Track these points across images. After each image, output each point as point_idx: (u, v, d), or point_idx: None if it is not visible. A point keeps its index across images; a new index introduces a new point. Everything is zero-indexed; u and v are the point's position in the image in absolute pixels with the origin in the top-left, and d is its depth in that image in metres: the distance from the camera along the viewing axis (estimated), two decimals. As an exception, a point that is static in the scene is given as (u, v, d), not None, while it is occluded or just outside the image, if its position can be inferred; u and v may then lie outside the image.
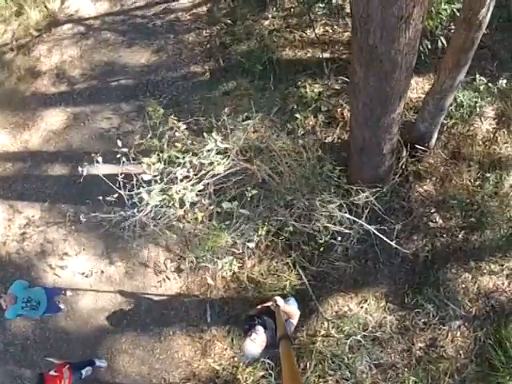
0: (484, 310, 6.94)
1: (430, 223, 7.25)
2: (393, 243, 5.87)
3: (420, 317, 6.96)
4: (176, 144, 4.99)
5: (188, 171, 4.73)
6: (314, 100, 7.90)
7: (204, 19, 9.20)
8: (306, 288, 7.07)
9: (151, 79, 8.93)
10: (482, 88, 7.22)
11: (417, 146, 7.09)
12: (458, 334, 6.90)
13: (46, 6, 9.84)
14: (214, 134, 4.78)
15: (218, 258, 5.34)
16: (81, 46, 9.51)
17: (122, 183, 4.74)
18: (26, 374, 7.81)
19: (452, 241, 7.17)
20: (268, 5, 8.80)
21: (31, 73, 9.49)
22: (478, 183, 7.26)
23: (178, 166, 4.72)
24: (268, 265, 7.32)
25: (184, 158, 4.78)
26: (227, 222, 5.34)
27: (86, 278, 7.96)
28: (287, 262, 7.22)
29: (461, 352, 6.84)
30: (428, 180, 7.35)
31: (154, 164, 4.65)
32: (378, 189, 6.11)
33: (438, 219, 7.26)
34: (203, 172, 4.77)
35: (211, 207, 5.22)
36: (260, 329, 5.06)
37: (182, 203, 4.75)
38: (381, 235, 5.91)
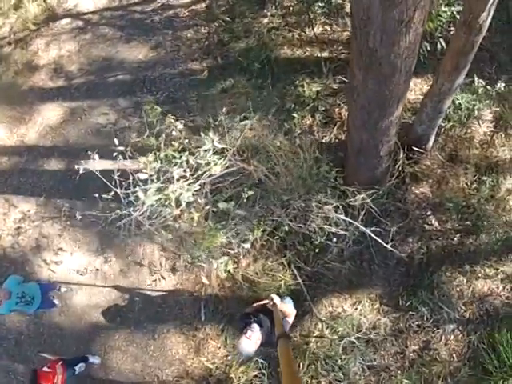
0: (478, 314, 6.94)
1: (426, 226, 7.25)
2: (388, 246, 5.87)
3: (414, 319, 6.96)
4: (173, 143, 4.97)
5: (185, 171, 4.71)
6: (312, 99, 7.87)
7: (202, 16, 9.16)
8: (300, 288, 7.07)
9: (148, 75, 8.88)
10: (480, 91, 7.19)
11: (414, 148, 7.08)
12: (452, 337, 6.90)
13: (44, 0, 9.79)
14: (211, 134, 4.76)
15: (213, 258, 5.32)
16: (79, 40, 9.47)
17: (118, 181, 4.72)
18: (20, 369, 7.78)
19: (447, 244, 7.17)
20: (267, 3, 8.76)
21: (29, 67, 9.44)
22: (474, 186, 7.25)
23: (174, 165, 4.70)
24: (263, 264, 7.30)
25: (181, 157, 4.77)
26: (223, 222, 5.33)
27: (81, 276, 7.93)
28: (282, 262, 7.20)
29: (454, 355, 6.85)
30: (424, 182, 7.35)
31: (150, 163, 4.63)
32: (375, 190, 6.11)
33: (433, 222, 7.25)
34: (200, 172, 4.75)
35: (207, 207, 5.21)
36: (255, 326, 5.03)
37: (178, 203, 4.73)
38: (376, 237, 5.90)
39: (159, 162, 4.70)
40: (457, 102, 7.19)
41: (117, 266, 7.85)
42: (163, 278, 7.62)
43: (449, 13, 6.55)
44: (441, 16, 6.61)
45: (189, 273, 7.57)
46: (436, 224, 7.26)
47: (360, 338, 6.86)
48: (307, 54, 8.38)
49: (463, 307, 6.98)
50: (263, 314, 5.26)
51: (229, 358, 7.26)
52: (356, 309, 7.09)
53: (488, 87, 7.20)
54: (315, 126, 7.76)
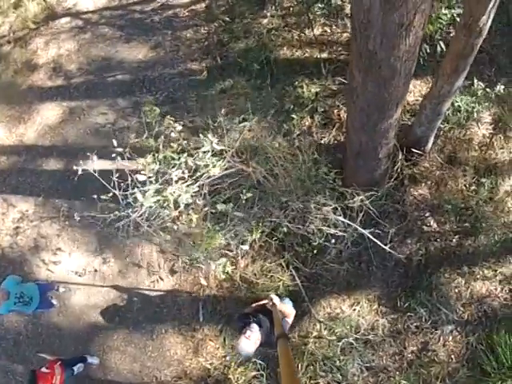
0: (476, 315, 6.94)
1: (425, 227, 7.25)
2: (386, 247, 5.87)
3: (412, 320, 6.96)
4: (172, 144, 4.97)
5: (183, 172, 4.71)
6: (311, 100, 7.86)
7: (202, 16, 9.14)
8: (298, 289, 7.08)
9: (148, 75, 8.87)
10: (479, 93, 7.18)
11: (413, 150, 7.07)
12: (450, 338, 6.90)
13: (44, -1, 9.78)
14: (210, 136, 4.76)
15: (211, 260, 5.32)
16: (78, 40, 9.46)
17: (116, 183, 4.71)
18: (18, 369, 7.81)
19: (446, 245, 7.17)
20: (267, 3, 8.74)
21: (28, 66, 9.43)
22: (473, 188, 7.25)
23: (173, 167, 4.70)
24: (261, 265, 7.29)
25: (179, 158, 4.76)
26: (221, 224, 5.34)
27: (80, 277, 7.94)
28: (280, 263, 7.20)
29: (452, 356, 6.85)
30: (423, 184, 7.35)
31: (149, 164, 4.63)
32: (373, 192, 6.10)
33: (432, 223, 7.25)
34: (198, 174, 4.75)
35: (206, 208, 5.21)
36: (255, 326, 5.04)
37: (176, 204, 4.73)
38: (375, 239, 5.91)
39: (158, 163, 4.70)
40: (456, 104, 7.18)
41: (115, 267, 7.85)
42: (161, 279, 7.63)
43: (449, 15, 6.56)
44: (441, 18, 6.61)
45: (187, 274, 7.57)
46: (434, 226, 7.25)
47: (358, 339, 6.87)
48: (306, 54, 8.37)
49: (461, 308, 6.98)
50: (262, 315, 5.26)
51: (227, 358, 7.25)
52: (354, 310, 7.10)
53: (487, 90, 7.18)
54: (314, 128, 7.75)
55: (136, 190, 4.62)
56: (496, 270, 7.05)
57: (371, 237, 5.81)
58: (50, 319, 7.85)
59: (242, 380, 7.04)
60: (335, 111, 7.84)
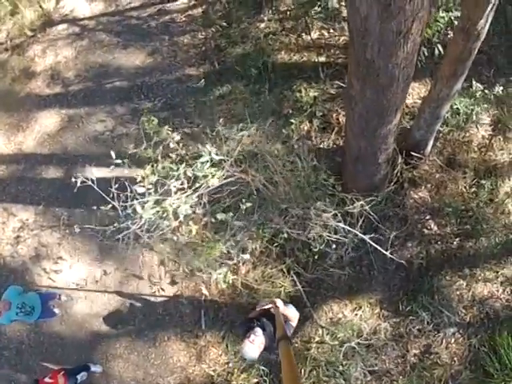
0: (478, 317, 6.95)
1: (425, 230, 7.25)
2: (387, 253, 5.84)
3: (414, 324, 6.97)
4: (170, 154, 4.95)
5: (182, 183, 4.69)
6: (310, 105, 7.85)
7: (199, 21, 9.12)
8: (300, 295, 7.07)
9: (146, 81, 8.85)
10: (478, 95, 7.18)
11: (412, 153, 7.07)
12: (453, 340, 6.91)
13: (40, 6, 9.73)
14: (208, 146, 4.74)
15: (212, 269, 5.31)
16: (75, 46, 9.42)
17: (115, 194, 4.70)
18: (22, 378, 7.78)
19: (447, 248, 7.17)
20: (264, 7, 8.72)
21: (26, 73, 9.39)
22: (473, 190, 7.25)
23: (172, 178, 4.68)
24: (262, 271, 7.29)
25: (178, 169, 4.74)
26: (221, 233, 5.32)
27: (81, 290, 7.93)
28: (282, 269, 7.18)
29: (455, 359, 6.86)
30: (423, 187, 7.34)
31: (147, 176, 4.61)
32: (373, 198, 6.08)
33: (432, 226, 7.25)
34: (198, 184, 4.73)
35: (205, 218, 5.19)
36: (259, 330, 5.04)
37: (176, 215, 4.71)
38: (375, 244, 5.89)
39: (156, 174, 4.68)
40: (455, 106, 7.19)
41: (116, 278, 7.84)
42: (163, 289, 7.61)
43: (446, 18, 6.54)
44: (438, 22, 6.60)
45: (189, 281, 7.55)
46: (435, 228, 7.25)
47: (361, 344, 6.86)
48: (304, 58, 8.36)
49: (463, 311, 6.99)
50: (266, 319, 5.26)
51: (230, 364, 7.26)
52: (356, 314, 7.09)
53: (486, 91, 7.18)
54: (313, 132, 7.74)
55: (135, 201, 4.60)
56: (497, 272, 7.06)
57: (372, 242, 5.79)
58: (52, 328, 7.83)
59: (244, 386, 7.05)
60: (334, 115, 7.84)
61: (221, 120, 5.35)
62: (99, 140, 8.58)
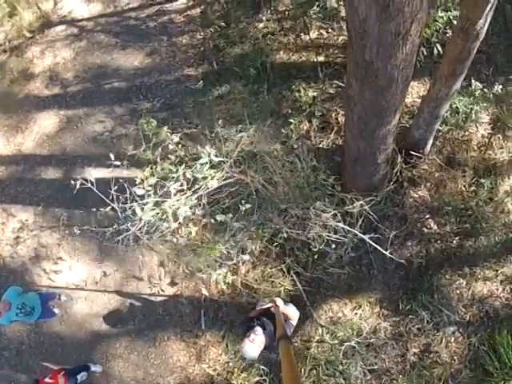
0: (478, 316, 6.96)
1: (425, 229, 7.25)
2: (387, 253, 5.84)
3: (414, 323, 6.97)
4: (169, 156, 4.95)
5: (181, 185, 4.69)
6: (309, 104, 7.86)
7: (198, 21, 9.11)
8: (300, 294, 7.08)
9: (144, 82, 8.86)
10: (477, 93, 7.18)
11: (411, 153, 7.07)
12: (452, 339, 6.91)
13: (39, 7, 9.73)
14: (207, 148, 4.74)
15: (212, 270, 5.32)
16: (74, 47, 9.42)
17: (115, 196, 4.70)
18: (22, 378, 7.80)
19: (446, 247, 7.18)
20: (262, 7, 8.71)
21: (24, 75, 9.40)
22: (472, 189, 7.25)
23: (171, 180, 4.68)
24: (262, 271, 7.30)
25: (177, 171, 4.74)
26: (221, 234, 5.32)
27: (81, 290, 7.93)
28: (281, 268, 7.20)
29: (455, 357, 6.86)
30: (423, 186, 7.34)
31: (147, 178, 4.61)
32: (373, 197, 6.08)
33: (432, 225, 7.25)
34: (197, 186, 4.73)
35: (205, 219, 5.20)
36: (259, 329, 5.02)
37: (175, 217, 4.71)
38: (375, 244, 5.89)
39: (156, 176, 4.67)
40: (454, 105, 7.19)
41: (116, 279, 7.84)
42: (162, 290, 7.62)
43: (445, 18, 6.54)
44: (437, 21, 6.60)
45: (188, 281, 7.56)
46: (435, 227, 7.26)
47: (360, 343, 6.88)
48: (303, 58, 8.35)
49: (463, 309, 7.00)
50: (266, 318, 5.25)
51: (230, 364, 7.27)
52: (356, 313, 7.10)
53: (485, 90, 7.19)
54: (312, 132, 7.74)
55: (134, 203, 4.60)
56: (497, 271, 7.06)
57: (371, 242, 5.79)
58: (52, 328, 7.84)
59: (245, 385, 7.06)
60: (333, 115, 7.84)
61: (220, 121, 5.30)
62: (98, 141, 8.58)
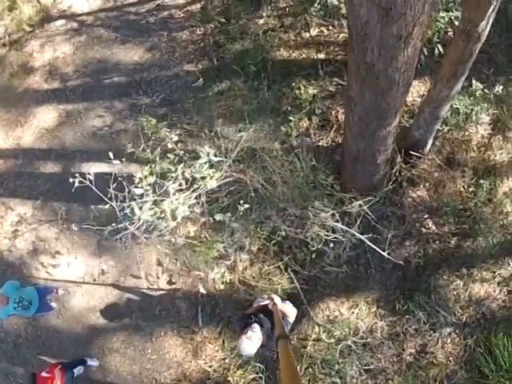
0: (475, 318, 6.97)
1: (423, 229, 7.25)
2: (385, 254, 5.84)
3: (411, 323, 6.99)
4: (168, 155, 4.93)
5: (180, 185, 4.69)
6: (309, 102, 7.83)
7: (198, 17, 9.06)
8: (297, 292, 7.09)
9: (144, 77, 8.81)
10: (478, 94, 7.16)
11: (411, 152, 7.06)
12: (449, 340, 6.93)
13: (38, 1, 9.66)
14: (206, 147, 4.73)
15: (210, 269, 5.32)
16: (74, 42, 9.37)
17: (113, 195, 4.69)
18: (19, 371, 7.81)
19: (444, 247, 7.18)
20: (262, 4, 8.66)
21: (24, 69, 9.36)
22: (471, 189, 7.25)
23: (170, 179, 4.67)
24: (260, 268, 7.29)
25: (176, 170, 4.73)
26: (219, 233, 5.32)
27: (78, 284, 7.93)
28: (279, 266, 7.20)
29: (451, 358, 6.88)
30: (422, 186, 7.34)
31: (146, 177, 4.60)
32: (372, 198, 6.08)
33: (430, 225, 7.25)
34: (196, 186, 4.72)
35: (203, 218, 5.19)
36: (256, 326, 5.02)
37: (174, 216, 4.71)
38: (373, 245, 5.88)
39: (154, 175, 4.67)
40: (454, 106, 7.17)
41: (113, 275, 7.83)
42: (160, 287, 7.62)
43: (446, 18, 6.52)
44: (438, 21, 6.57)
45: (186, 278, 7.56)
46: (433, 227, 7.25)
47: (357, 342, 6.88)
48: (303, 55, 8.32)
49: (460, 311, 7.00)
50: (264, 315, 5.25)
51: (226, 361, 7.28)
52: (353, 312, 7.11)
53: (486, 90, 7.16)
54: (312, 129, 7.72)
55: (133, 202, 4.59)
56: (494, 272, 7.07)
57: (369, 243, 5.78)
58: (49, 322, 7.85)
59: (241, 382, 7.08)
60: (333, 113, 7.82)
61: (219, 120, 5.28)
62: (97, 135, 8.55)
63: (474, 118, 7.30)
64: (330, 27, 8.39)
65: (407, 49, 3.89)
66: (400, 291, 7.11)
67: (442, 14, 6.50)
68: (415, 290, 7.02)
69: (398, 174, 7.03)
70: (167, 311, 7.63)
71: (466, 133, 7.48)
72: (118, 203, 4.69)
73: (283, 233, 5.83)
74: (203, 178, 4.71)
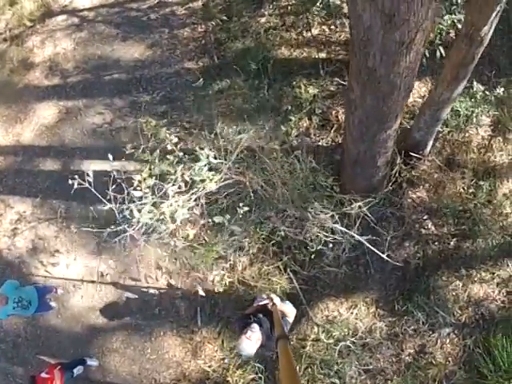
0: (474, 318, 6.97)
1: (422, 230, 7.24)
2: (384, 256, 5.85)
3: (410, 323, 6.98)
4: (168, 157, 4.91)
5: (179, 187, 4.67)
6: (309, 101, 7.81)
7: (199, 14, 9.02)
8: (296, 292, 7.10)
9: (145, 74, 8.78)
10: (479, 96, 7.14)
11: (411, 154, 7.05)
12: (448, 341, 6.93)
13: (40, -4, 9.66)
14: (206, 150, 4.71)
15: (209, 271, 5.31)
16: (74, 38, 9.34)
17: (112, 196, 4.67)
18: (18, 371, 7.82)
19: (444, 248, 7.17)
20: (264, 2, 8.65)
21: (24, 64, 9.33)
22: (471, 191, 7.24)
23: (169, 181, 4.65)
24: (259, 268, 7.29)
25: (176, 172, 4.71)
26: (218, 235, 5.31)
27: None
28: (278, 266, 7.20)
29: (450, 359, 6.88)
30: (421, 187, 7.33)
31: (145, 180, 4.58)
32: (371, 199, 6.07)
33: (430, 226, 7.24)
34: (195, 189, 4.71)
35: (203, 220, 5.18)
36: (255, 326, 5.01)
37: (173, 219, 4.69)
38: (372, 247, 5.88)
39: (154, 177, 4.65)
40: (455, 108, 7.14)
41: (113, 273, 7.82)
42: (159, 287, 7.62)
43: (449, 21, 6.48)
44: (441, 24, 6.54)
45: (185, 277, 7.55)
46: (432, 228, 7.25)
47: (356, 342, 6.89)
48: (304, 54, 8.29)
49: (459, 311, 7.00)
50: (263, 315, 5.24)
51: (226, 361, 7.28)
52: (352, 313, 7.11)
53: (487, 92, 7.14)
54: (312, 129, 7.71)
55: (132, 205, 4.58)
56: (493, 273, 7.06)
57: (368, 245, 5.78)
58: (48, 321, 7.85)
59: (240, 382, 7.08)
60: (333, 113, 7.80)
61: (219, 121, 5.26)
62: (97, 133, 8.53)
63: (474, 119, 7.28)
64: (332, 27, 8.36)
65: (409, 54, 3.87)
66: (399, 292, 7.11)
67: (444, 17, 6.46)
68: (414, 291, 7.02)
69: (397, 175, 7.02)
70: (166, 311, 7.62)
71: (467, 134, 7.47)
72: (117, 205, 4.68)
73: (282, 233, 5.84)
74: (203, 181, 4.69)
